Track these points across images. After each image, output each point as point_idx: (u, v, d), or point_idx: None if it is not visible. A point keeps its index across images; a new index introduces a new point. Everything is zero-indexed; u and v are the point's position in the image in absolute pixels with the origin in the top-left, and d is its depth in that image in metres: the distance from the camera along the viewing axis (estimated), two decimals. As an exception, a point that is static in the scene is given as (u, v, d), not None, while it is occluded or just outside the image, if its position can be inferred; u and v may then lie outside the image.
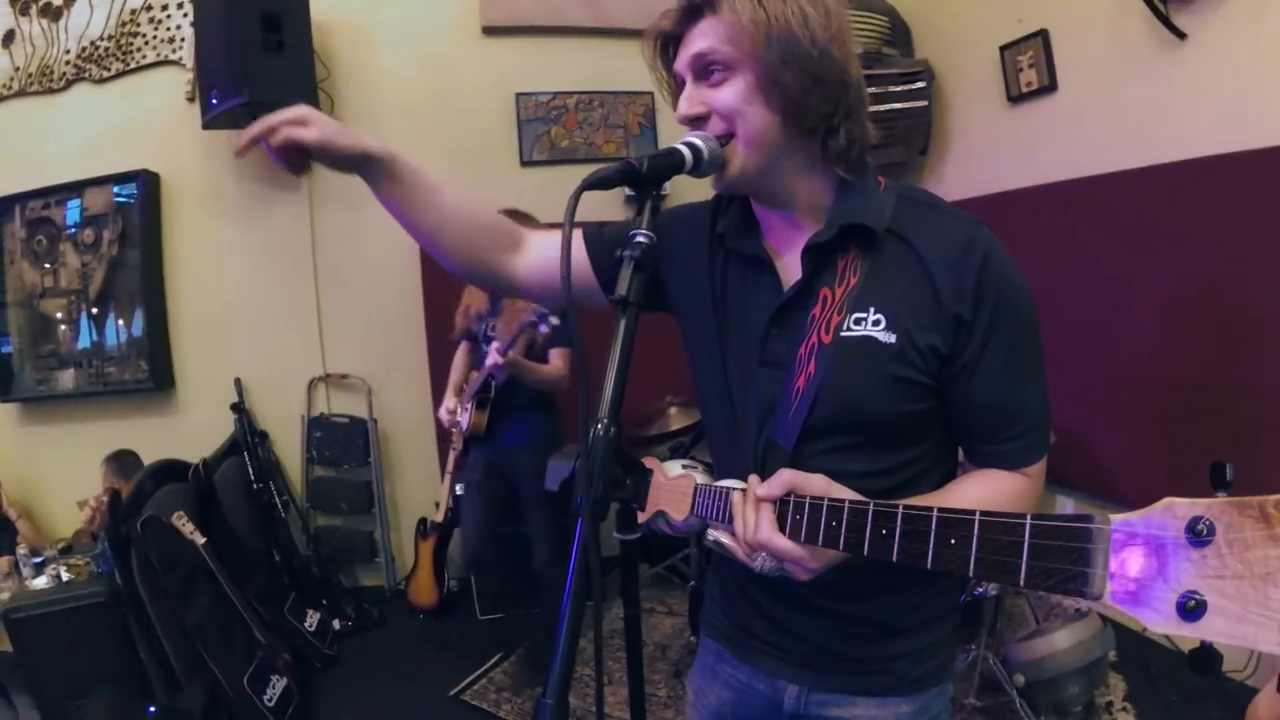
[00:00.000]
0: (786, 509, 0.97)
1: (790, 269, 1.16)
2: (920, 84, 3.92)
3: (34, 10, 4.31)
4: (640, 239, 0.96)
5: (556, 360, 3.29)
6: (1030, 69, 3.47)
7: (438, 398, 4.31)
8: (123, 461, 3.91)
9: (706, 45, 1.06)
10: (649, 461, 1.28)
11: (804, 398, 1.09)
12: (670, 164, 1.01)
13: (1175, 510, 0.58)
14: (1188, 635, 0.56)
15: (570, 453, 3.27)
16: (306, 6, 3.92)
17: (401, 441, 4.60)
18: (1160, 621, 0.58)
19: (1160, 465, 2.98)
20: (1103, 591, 0.62)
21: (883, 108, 3.86)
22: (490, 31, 4.43)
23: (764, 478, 1.02)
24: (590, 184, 0.94)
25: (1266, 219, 2.54)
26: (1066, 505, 3.48)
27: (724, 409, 1.24)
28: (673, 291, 1.32)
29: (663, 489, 1.23)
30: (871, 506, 0.87)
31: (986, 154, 3.85)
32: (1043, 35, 3.38)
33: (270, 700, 3.17)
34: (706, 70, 1.07)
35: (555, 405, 3.44)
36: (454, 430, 3.57)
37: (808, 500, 0.95)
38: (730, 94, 1.06)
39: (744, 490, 1.04)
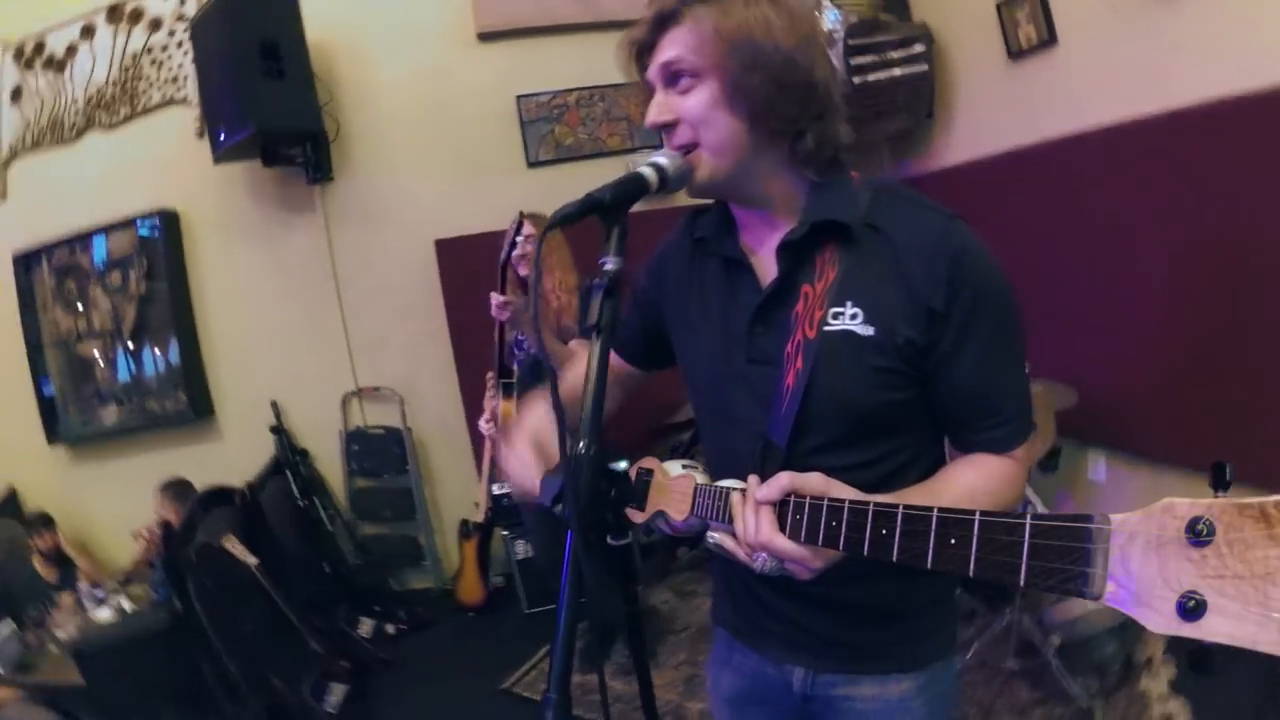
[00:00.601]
0: (786, 509, 0.96)
1: (768, 267, 1.15)
2: (919, 48, 3.83)
3: (38, 64, 4.36)
4: (609, 266, 0.97)
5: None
6: (1029, 24, 3.35)
7: (467, 402, 4.37)
8: (176, 489, 3.96)
9: (674, 54, 1.06)
10: (649, 461, 1.28)
11: (794, 394, 1.08)
12: (635, 189, 1.01)
13: (1175, 510, 0.57)
14: (1188, 635, 0.56)
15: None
16: (302, 31, 3.90)
17: (437, 447, 4.62)
18: (1160, 622, 0.57)
19: (1189, 417, 2.88)
20: (1102, 591, 0.62)
21: (884, 75, 3.78)
22: (486, 37, 4.39)
23: (763, 477, 1.01)
24: (555, 223, 0.95)
25: (1268, 160, 2.44)
26: (1099, 462, 3.40)
27: (716, 410, 1.25)
28: (672, 320, 1.33)
29: (663, 489, 1.21)
30: (871, 507, 0.86)
31: (992, 113, 3.74)
32: None
33: (331, 707, 3.23)
34: (674, 78, 1.07)
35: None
36: (494, 435, 3.56)
37: (808, 500, 0.93)
38: (696, 102, 1.06)
39: (743, 491, 1.02)
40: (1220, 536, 0.54)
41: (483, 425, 3.49)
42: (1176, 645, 2.74)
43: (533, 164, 4.51)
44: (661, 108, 1.08)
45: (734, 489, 1.05)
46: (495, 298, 3.03)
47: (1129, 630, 2.64)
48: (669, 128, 1.09)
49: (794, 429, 1.08)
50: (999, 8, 3.49)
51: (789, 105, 1.05)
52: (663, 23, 1.07)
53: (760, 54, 1.02)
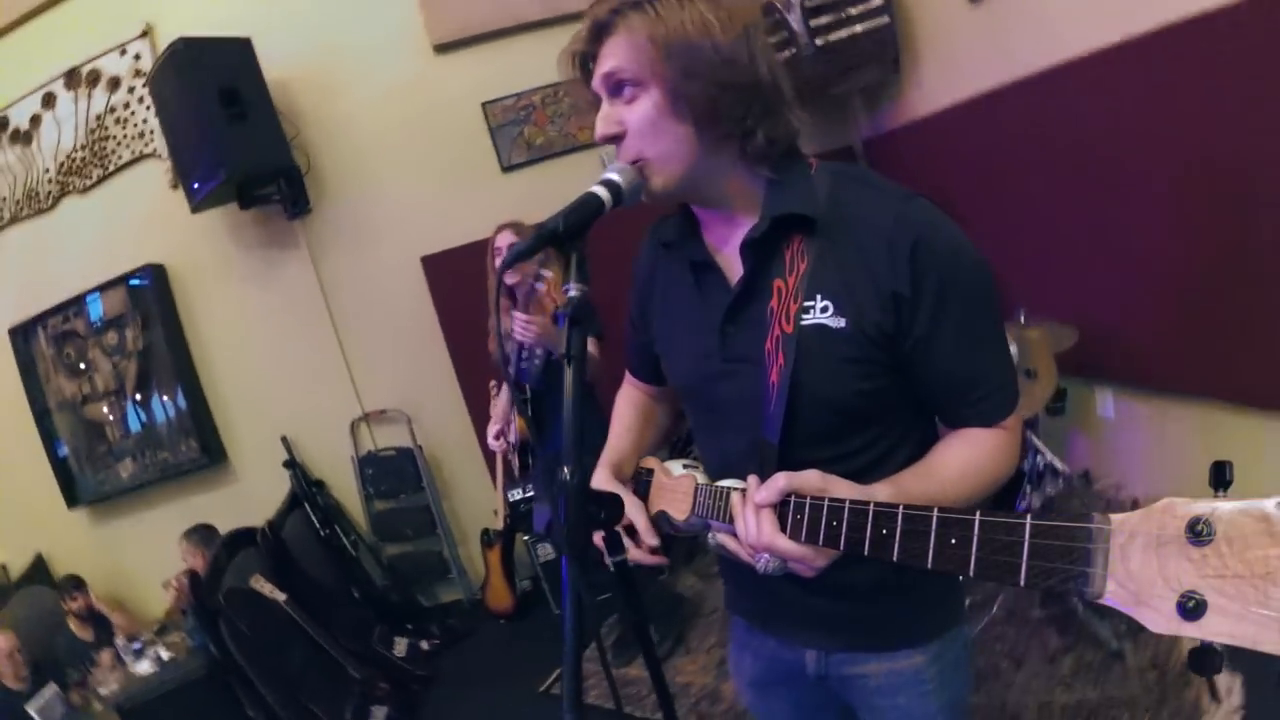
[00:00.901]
0: (786, 509, 0.95)
1: (734, 266, 1.13)
2: (877, 1, 3.74)
3: (4, 140, 4.35)
4: (573, 293, 0.96)
5: (588, 348, 3.24)
6: None
7: (474, 414, 4.37)
8: (200, 534, 3.99)
9: (613, 65, 1.03)
10: (650, 461, 1.29)
11: (780, 391, 1.07)
12: (589, 212, 0.99)
13: (1175, 510, 0.57)
14: (1188, 635, 0.56)
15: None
16: (258, 72, 3.87)
17: (449, 461, 4.62)
18: (1160, 621, 0.57)
19: (1194, 343, 2.81)
20: (1103, 591, 0.61)
21: (845, 33, 3.70)
22: (442, 49, 4.33)
23: (761, 476, 1.00)
24: (510, 261, 0.96)
25: (1262, 72, 2.32)
26: (1106, 396, 3.35)
27: (704, 412, 1.26)
28: (654, 329, 1.34)
29: (664, 489, 1.23)
30: (872, 507, 0.85)
31: (961, 56, 3.64)
32: None
33: (375, 730, 3.27)
34: (618, 88, 1.05)
35: (594, 396, 3.39)
36: (504, 450, 3.57)
37: (808, 500, 0.92)
38: (640, 112, 1.03)
39: (743, 491, 1.02)
40: (1220, 536, 0.53)
41: (492, 442, 3.50)
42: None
43: (507, 168, 4.46)
44: (608, 120, 1.06)
45: (734, 489, 1.06)
46: (519, 317, 3.03)
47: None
48: (617, 139, 1.06)
49: (785, 426, 1.07)
50: (948, -53, 3.43)
51: (734, 105, 1.02)
52: (599, 32, 1.05)
53: (698, 57, 0.99)
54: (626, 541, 1.21)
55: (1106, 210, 3.01)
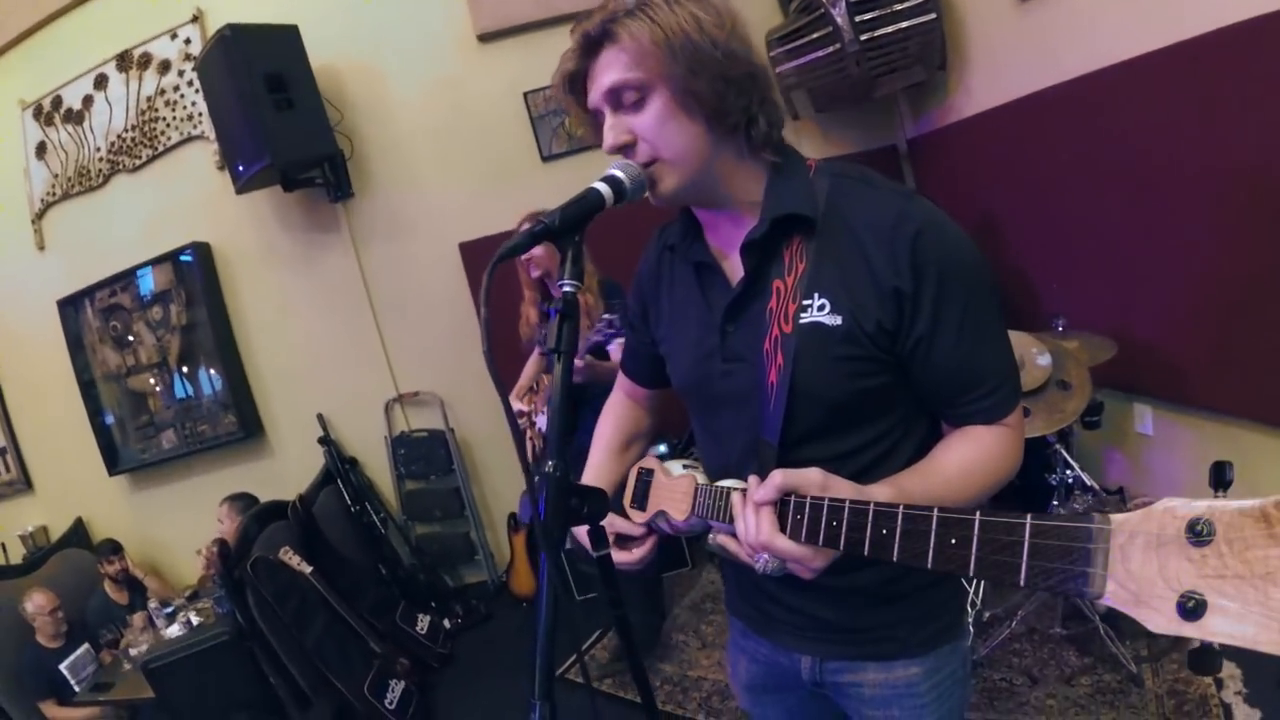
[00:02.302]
0: (786, 509, 0.93)
1: (736, 267, 1.13)
2: (923, -4, 3.65)
3: (58, 119, 4.44)
4: (566, 289, 0.94)
5: (618, 353, 3.22)
6: None
7: (506, 400, 4.36)
8: (242, 502, 4.05)
9: (616, 76, 1.02)
10: (650, 461, 1.27)
11: (779, 390, 1.06)
12: (587, 207, 0.97)
13: (1175, 510, 0.56)
14: (1188, 635, 0.55)
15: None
16: (305, 59, 3.88)
17: (480, 445, 4.60)
18: (1160, 622, 0.56)
19: (1238, 364, 2.69)
20: (1103, 591, 0.60)
21: (890, 29, 3.60)
22: (486, 38, 4.30)
23: (761, 476, 0.99)
24: (502, 256, 0.91)
25: None
26: (1145, 414, 3.20)
27: (704, 413, 1.25)
28: (656, 332, 1.32)
29: (664, 489, 1.21)
30: (872, 507, 0.83)
31: (1007, 57, 3.52)
32: None
33: (391, 704, 3.24)
34: (621, 98, 1.03)
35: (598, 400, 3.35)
36: (528, 429, 3.56)
37: (808, 500, 0.91)
38: (649, 117, 1.02)
39: (743, 491, 1.00)
40: (1220, 536, 0.53)
41: (515, 400, 3.43)
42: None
43: (547, 158, 4.42)
44: (617, 130, 1.04)
45: (734, 489, 1.04)
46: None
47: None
48: (628, 148, 1.04)
49: (784, 425, 1.06)
50: (1001, -54, 3.31)
51: (740, 96, 1.02)
52: (592, 47, 1.04)
53: (702, 54, 0.99)
54: (618, 553, 1.23)
55: (1150, 221, 2.88)
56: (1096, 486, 2.86)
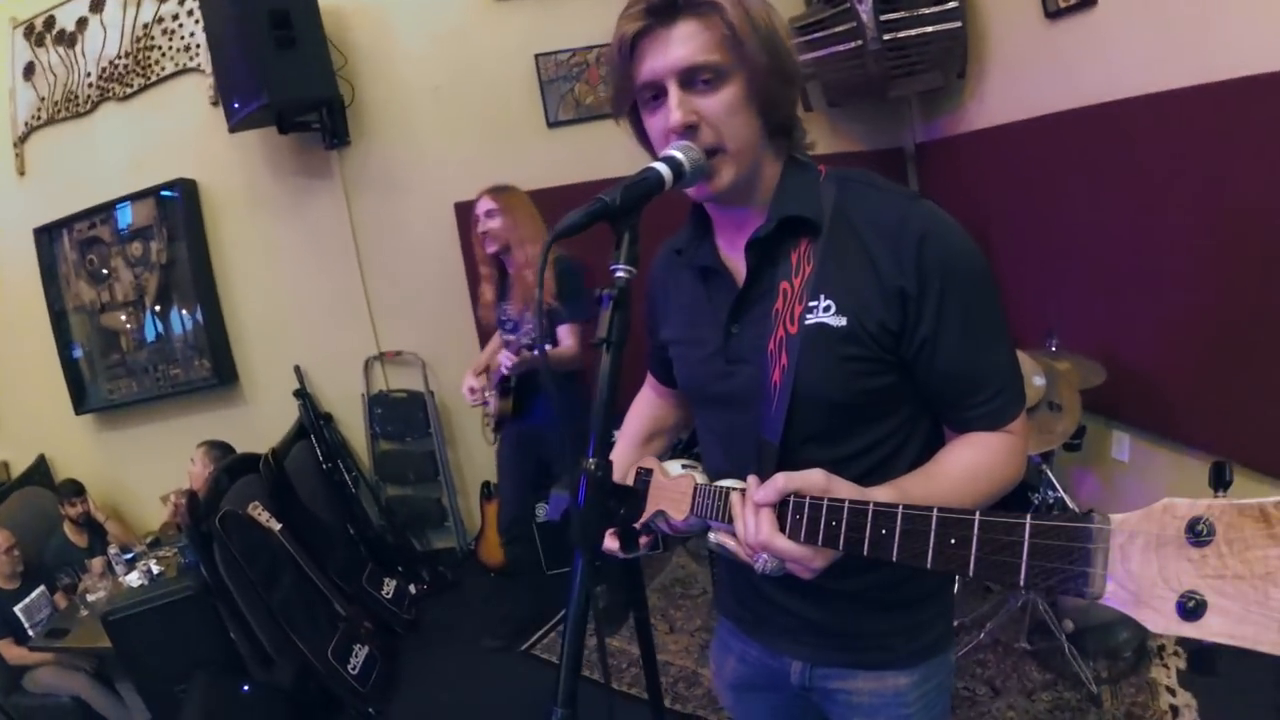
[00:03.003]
0: (786, 509, 0.94)
1: (742, 268, 1.14)
2: (953, 3, 3.63)
3: (49, 40, 4.33)
4: (620, 274, 0.92)
5: (567, 339, 3.19)
6: None
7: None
8: (219, 449, 4.01)
9: (700, 55, 0.99)
10: (649, 461, 1.28)
11: (782, 391, 1.06)
12: (647, 188, 0.94)
13: (1175, 510, 0.56)
14: (1188, 635, 0.55)
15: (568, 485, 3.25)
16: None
17: (460, 410, 4.59)
18: (1160, 622, 0.57)
19: (1222, 401, 2.75)
20: (1102, 591, 0.61)
21: (914, 32, 3.62)
22: (502, -3, 4.30)
23: (761, 476, 0.99)
24: (559, 234, 0.89)
25: None
26: (1123, 441, 3.29)
27: (708, 412, 1.26)
28: (665, 335, 1.33)
29: (663, 489, 1.22)
30: (872, 506, 0.84)
31: (1026, 74, 3.54)
32: None
33: (354, 669, 3.27)
34: (694, 77, 1.00)
35: (576, 375, 3.35)
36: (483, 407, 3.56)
37: (807, 500, 0.91)
38: (721, 103, 1.00)
39: (743, 491, 1.00)
40: (1220, 536, 0.53)
41: (465, 390, 3.46)
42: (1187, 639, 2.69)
43: (553, 124, 4.38)
44: (686, 108, 1.00)
45: (733, 489, 1.05)
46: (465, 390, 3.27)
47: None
48: (691, 130, 1.01)
49: (785, 426, 1.07)
50: (1037, -38, 3.30)
51: (790, 95, 1.05)
52: (668, 12, 0.99)
53: (778, 50, 1.01)
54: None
55: (1149, 253, 2.96)
56: (1075, 509, 2.92)
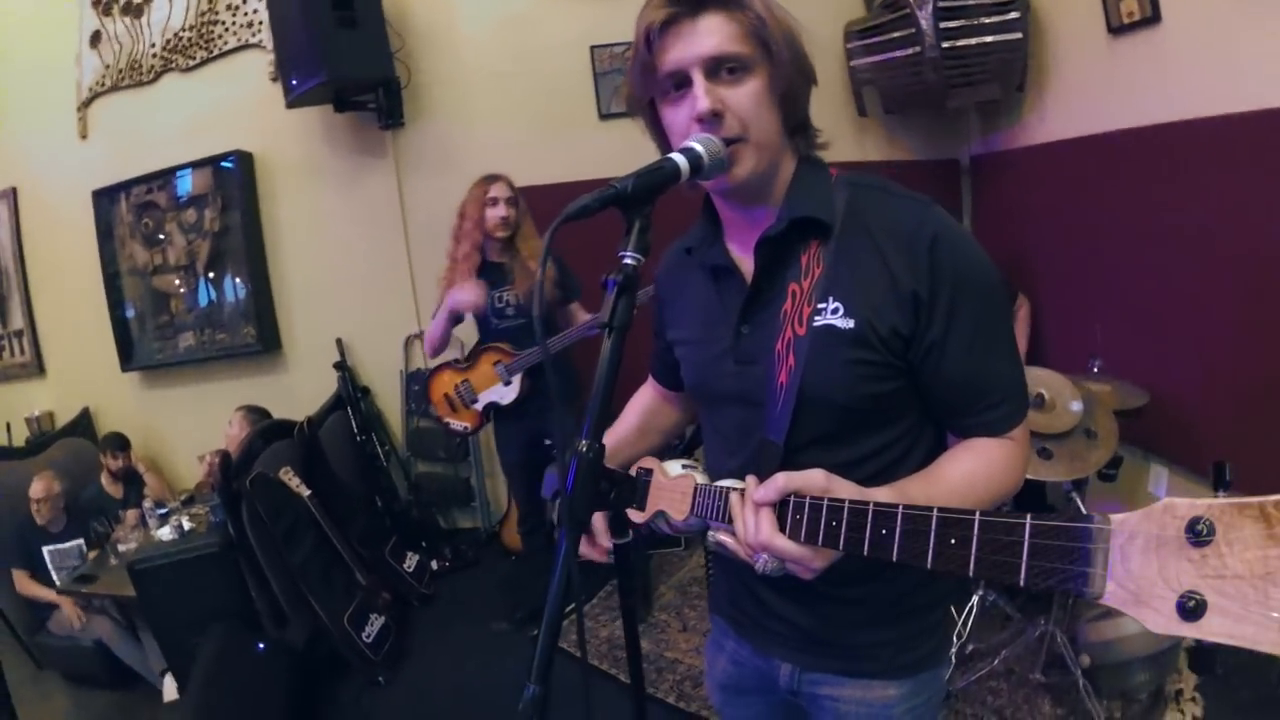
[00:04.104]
0: (786, 509, 0.93)
1: (752, 269, 1.13)
2: (1014, 14, 3.53)
3: (116, 10, 4.44)
4: (628, 261, 0.90)
5: (581, 313, 3.32)
6: None
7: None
8: (256, 414, 4.10)
9: (727, 45, 0.99)
10: (648, 461, 1.26)
11: (788, 392, 1.06)
12: (662, 178, 0.93)
13: (1175, 510, 0.56)
14: (1188, 635, 0.55)
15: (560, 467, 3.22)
16: (376, -21, 3.85)
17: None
18: (1160, 621, 0.56)
19: (1263, 444, 2.63)
20: (1102, 591, 0.61)
21: (973, 41, 3.54)
22: (562, -14, 4.30)
23: (761, 476, 0.98)
24: (568, 217, 0.87)
25: None
26: (1161, 476, 3.17)
27: (712, 411, 1.25)
28: (673, 334, 1.32)
29: (663, 489, 1.20)
30: (871, 506, 0.83)
31: (1087, 90, 3.44)
32: None
33: (369, 637, 3.30)
34: (720, 68, 1.00)
35: (566, 357, 3.37)
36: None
37: (807, 500, 0.90)
38: (747, 94, 1.01)
39: (742, 491, 0.99)
40: (1220, 536, 0.53)
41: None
42: (1207, 685, 2.56)
43: (605, 116, 4.38)
44: (712, 97, 1.00)
45: (733, 489, 1.04)
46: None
47: (1162, 661, 2.47)
48: (717, 118, 1.01)
49: (790, 427, 1.06)
50: (1102, -27, 3.20)
51: (807, 94, 1.07)
52: (699, 2, 1.00)
53: (798, 48, 1.03)
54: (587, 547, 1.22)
55: (1203, 284, 2.84)
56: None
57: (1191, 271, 2.87)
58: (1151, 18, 2.97)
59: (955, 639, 2.76)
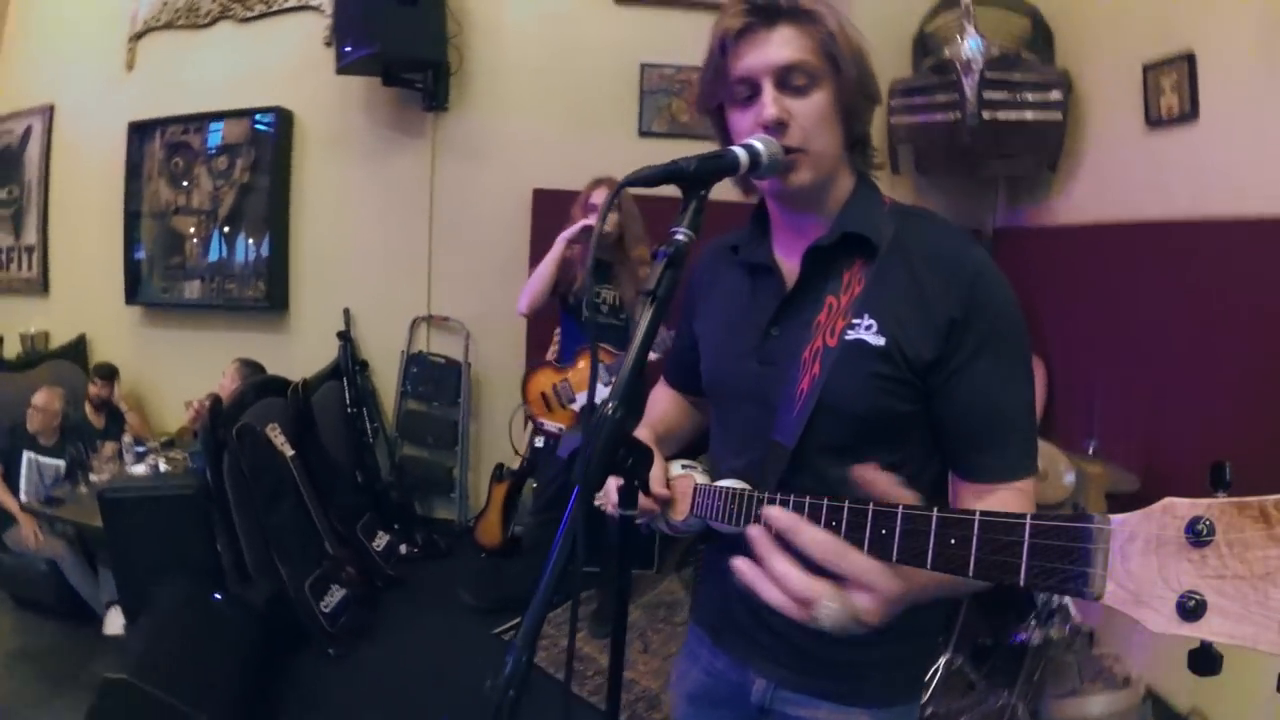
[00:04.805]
0: (786, 509, 0.90)
1: (793, 273, 1.16)
2: (1056, 95, 3.62)
3: (191, -50, 4.49)
4: (679, 237, 0.91)
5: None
6: (1173, 93, 3.10)
7: (531, 351, 4.32)
8: (250, 367, 4.08)
9: (799, 55, 1.03)
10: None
11: (807, 399, 1.07)
12: (722, 165, 0.96)
13: (1175, 510, 0.55)
14: (1188, 635, 0.54)
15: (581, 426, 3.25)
16: (442, -39, 3.92)
17: (492, 387, 4.63)
18: (1160, 622, 0.56)
19: (1266, 444, 2.58)
20: (1102, 591, 0.60)
21: (1013, 115, 3.61)
22: (623, 1, 4.36)
23: (764, 476, 1.04)
24: (631, 181, 0.91)
25: None
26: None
27: (726, 409, 1.26)
28: (699, 330, 1.34)
29: None
30: (871, 507, 0.82)
31: (1117, 178, 3.50)
32: (1188, 59, 3.02)
33: (327, 607, 3.26)
34: (790, 79, 1.04)
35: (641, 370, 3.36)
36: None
37: (807, 500, 0.89)
38: (813, 107, 1.04)
39: (743, 491, 1.00)
40: (1220, 536, 0.53)
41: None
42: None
43: (644, 133, 4.44)
44: (780, 105, 1.04)
45: (733, 488, 1.06)
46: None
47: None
48: (781, 126, 1.04)
49: (803, 433, 1.08)
50: (1145, 70, 3.25)
51: (870, 112, 1.10)
52: (772, 15, 1.04)
53: (864, 67, 1.06)
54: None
55: (1204, 378, 2.87)
56: (1079, 620, 2.80)
57: (1197, 366, 2.90)
58: (1190, 114, 3.03)
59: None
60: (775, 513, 0.84)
